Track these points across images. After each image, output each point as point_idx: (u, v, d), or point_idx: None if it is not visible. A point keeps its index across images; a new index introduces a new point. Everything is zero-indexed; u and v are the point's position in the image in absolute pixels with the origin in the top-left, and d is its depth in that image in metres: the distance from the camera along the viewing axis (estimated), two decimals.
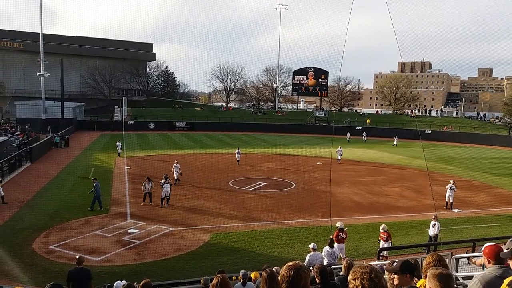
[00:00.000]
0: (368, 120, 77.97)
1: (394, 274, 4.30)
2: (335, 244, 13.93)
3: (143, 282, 8.57)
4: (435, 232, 16.86)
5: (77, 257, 10.34)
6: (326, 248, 13.37)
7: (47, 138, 46.04)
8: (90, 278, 9.68)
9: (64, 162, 35.71)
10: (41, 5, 59.38)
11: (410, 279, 4.07)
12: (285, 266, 3.22)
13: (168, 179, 22.83)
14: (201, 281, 10.27)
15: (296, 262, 3.29)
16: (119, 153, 40.80)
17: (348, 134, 61.26)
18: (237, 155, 37.89)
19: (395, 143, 56.71)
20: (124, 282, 9.31)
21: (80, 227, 18.52)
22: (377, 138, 65.41)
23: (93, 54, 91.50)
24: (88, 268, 10.59)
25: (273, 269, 6.29)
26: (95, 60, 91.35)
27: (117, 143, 41.52)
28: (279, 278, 3.26)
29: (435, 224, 16.94)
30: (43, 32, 61.52)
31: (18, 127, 53.19)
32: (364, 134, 62.56)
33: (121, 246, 16.33)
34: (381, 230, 15.85)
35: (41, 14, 60.01)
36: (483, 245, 4.76)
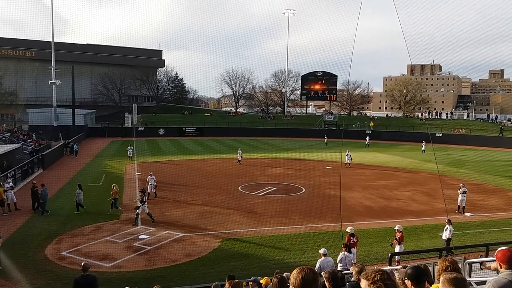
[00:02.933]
0: (372, 123, 77.47)
1: (405, 280, 4.28)
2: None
3: None
4: (447, 236, 16.69)
5: (82, 264, 10.32)
6: (345, 253, 13.29)
7: (58, 145, 46.59)
8: (96, 285, 9.64)
9: (75, 169, 36.10)
10: (52, 14, 60.45)
11: (420, 286, 4.04)
12: (295, 270, 3.26)
13: (144, 196, 20.76)
14: (212, 286, 10.28)
15: (306, 266, 3.31)
16: (130, 157, 42.32)
17: (325, 136, 61.34)
18: (238, 156, 40.19)
19: (423, 148, 51.60)
20: None
21: (92, 233, 18.68)
22: (387, 142, 65.00)
23: (103, 62, 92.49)
24: (94, 275, 10.58)
25: (284, 274, 6.28)
26: (106, 68, 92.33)
27: (128, 147, 43.27)
28: (290, 280, 3.26)
29: (447, 228, 16.76)
30: (55, 40, 62.53)
31: (31, 134, 53.89)
32: (367, 138, 61.54)
33: (132, 252, 16.41)
34: (396, 229, 15.89)
35: (52, 23, 61.07)
36: (496, 250, 4.70)
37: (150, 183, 25.71)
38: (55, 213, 21.72)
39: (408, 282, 4.21)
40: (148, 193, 25.11)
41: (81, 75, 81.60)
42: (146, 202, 20.68)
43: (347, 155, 39.62)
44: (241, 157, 40.55)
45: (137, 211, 20.25)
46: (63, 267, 14.81)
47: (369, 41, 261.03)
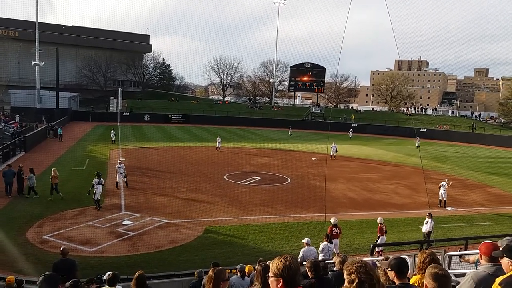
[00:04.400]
0: (353, 117, 78.35)
1: (388, 270, 4.36)
2: None
3: (137, 274, 8.55)
4: (428, 229, 17.03)
5: (61, 248, 10.27)
6: (326, 243, 13.42)
7: (41, 127, 45.76)
8: (76, 269, 9.58)
9: (58, 153, 35.53)
10: None
11: (402, 276, 4.13)
12: (276, 258, 3.17)
13: (101, 179, 20.35)
14: (195, 273, 10.29)
15: (286, 254, 3.26)
16: (113, 141, 42.78)
17: (290, 127, 62.33)
18: (217, 143, 41.29)
19: (417, 145, 47.58)
20: (109, 273, 9.25)
21: (74, 217, 18.48)
22: (373, 135, 65.61)
23: (89, 44, 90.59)
24: (74, 259, 10.51)
25: (268, 263, 6.30)
26: (91, 51, 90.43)
27: (112, 131, 43.90)
28: (272, 269, 3.21)
29: (427, 221, 17.09)
30: (39, 20, 60.96)
31: (14, 116, 52.76)
32: (350, 130, 61.98)
33: (115, 238, 16.32)
34: (378, 221, 16.31)
35: (37, 2, 59.44)
36: (475, 243, 4.82)
37: (119, 171, 24.13)
38: (37, 197, 21.35)
39: (391, 273, 4.29)
40: (117, 182, 24.22)
41: (66, 57, 79.79)
42: (96, 187, 19.85)
43: (332, 147, 39.77)
44: (220, 144, 41.55)
45: (96, 197, 19.75)
46: (44, 250, 14.64)
47: (358, 35, 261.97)
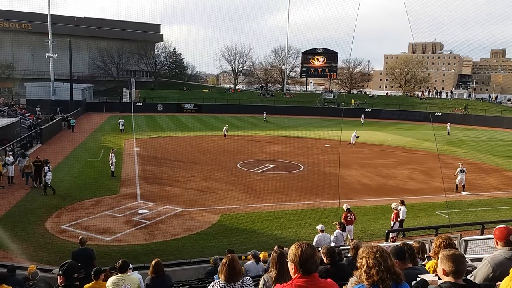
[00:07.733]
0: (352, 101, 77.73)
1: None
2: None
3: (154, 261, 8.70)
4: (402, 217, 16.42)
5: (80, 238, 10.52)
6: (339, 231, 13.42)
7: (57, 119, 46.40)
8: (93, 258, 9.82)
9: (74, 144, 36.06)
10: None
11: (401, 263, 4.29)
12: (293, 245, 3.28)
13: (49, 165, 21.18)
14: (211, 260, 10.44)
15: (304, 241, 3.34)
16: (122, 130, 43.83)
17: (264, 113, 61.72)
18: (224, 131, 42.86)
19: (448, 131, 48.83)
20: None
21: (91, 207, 18.82)
22: (387, 120, 64.91)
23: (101, 35, 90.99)
24: (92, 248, 10.77)
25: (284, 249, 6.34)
26: (103, 41, 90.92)
27: (119, 120, 45.34)
28: (289, 256, 3.29)
29: (401, 209, 16.43)
30: (51, 13, 61.39)
31: (34, 109, 53.51)
32: (362, 116, 59.89)
33: (131, 226, 16.59)
34: (392, 207, 16.20)
35: None
36: (491, 228, 4.78)
37: (113, 160, 24.24)
38: (54, 188, 21.76)
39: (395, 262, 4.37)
40: (112, 171, 24.27)
41: (79, 49, 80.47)
42: (46, 174, 20.71)
43: (352, 136, 37.84)
44: (227, 131, 42.93)
45: (47, 182, 20.61)
46: (63, 240, 14.98)
47: (371, 18, 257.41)
